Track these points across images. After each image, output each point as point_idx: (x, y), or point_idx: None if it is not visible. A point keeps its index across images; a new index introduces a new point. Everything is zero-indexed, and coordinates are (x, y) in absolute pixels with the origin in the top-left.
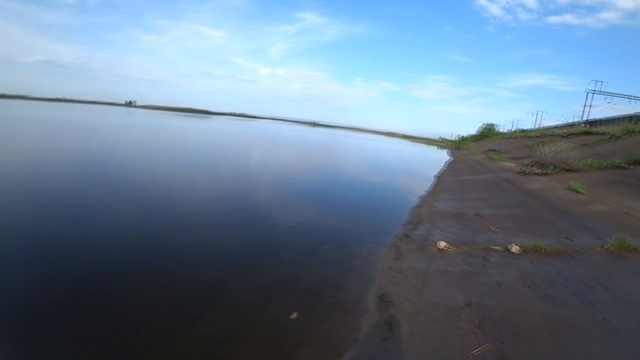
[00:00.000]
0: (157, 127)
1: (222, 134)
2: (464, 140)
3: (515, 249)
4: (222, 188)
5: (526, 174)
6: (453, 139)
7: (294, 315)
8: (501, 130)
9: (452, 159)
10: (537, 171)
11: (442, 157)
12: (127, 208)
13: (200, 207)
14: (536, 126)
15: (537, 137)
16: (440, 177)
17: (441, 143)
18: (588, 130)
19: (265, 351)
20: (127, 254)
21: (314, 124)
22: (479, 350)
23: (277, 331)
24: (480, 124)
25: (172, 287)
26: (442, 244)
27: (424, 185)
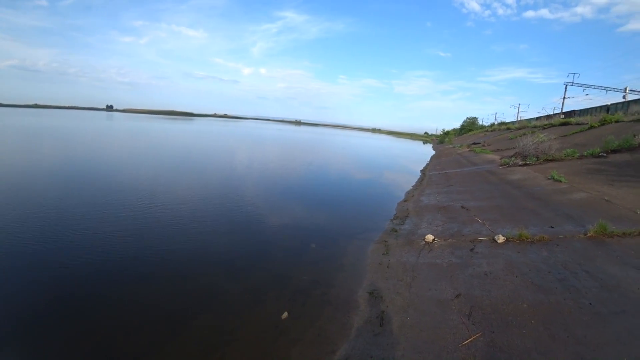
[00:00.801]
0: (139, 131)
1: (205, 137)
2: (447, 134)
3: (501, 239)
4: (209, 191)
5: (509, 166)
6: (437, 133)
7: (285, 315)
8: (483, 123)
9: (436, 153)
10: (519, 162)
11: (427, 151)
12: (114, 213)
13: (189, 210)
14: (517, 119)
15: (519, 129)
16: (426, 172)
17: (425, 138)
18: (566, 121)
19: (258, 352)
20: (116, 259)
21: (298, 123)
22: (469, 341)
23: (269, 331)
24: (463, 118)
25: (164, 289)
26: (430, 237)
27: (410, 180)
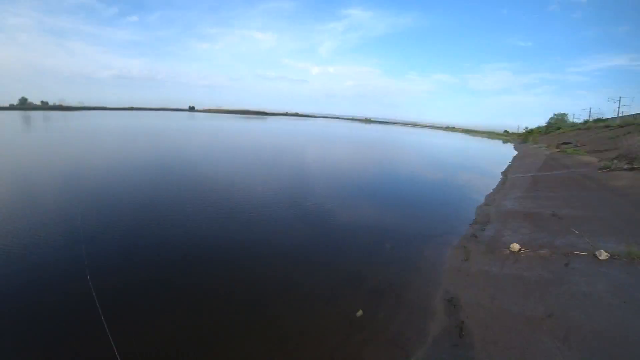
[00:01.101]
0: (222, 129)
1: (279, 134)
2: (531, 133)
3: (603, 255)
4: (287, 188)
5: (611, 170)
6: (519, 131)
7: (360, 313)
8: (574, 120)
9: (519, 153)
10: (624, 166)
11: (508, 151)
12: (198, 203)
13: (267, 204)
14: (618, 114)
15: (621, 126)
16: (508, 174)
17: (505, 137)
18: None
19: (330, 346)
20: (200, 246)
21: (368, 121)
22: None
23: (343, 328)
24: (549, 115)
25: (243, 277)
26: (516, 247)
27: (490, 183)
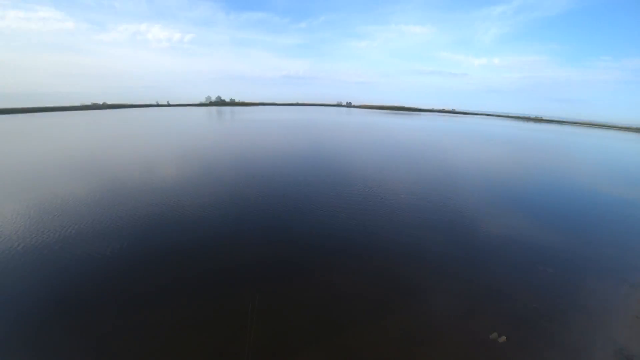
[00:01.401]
0: (382, 124)
1: (435, 132)
2: None
3: None
4: (428, 186)
5: None
6: None
7: (503, 338)
8: None
9: None
10: None
11: None
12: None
13: (405, 202)
14: None
15: None
16: None
17: None
18: None
19: None
20: (337, 238)
21: (537, 119)
22: None
23: (479, 350)
24: None
25: (374, 275)
26: None
27: None
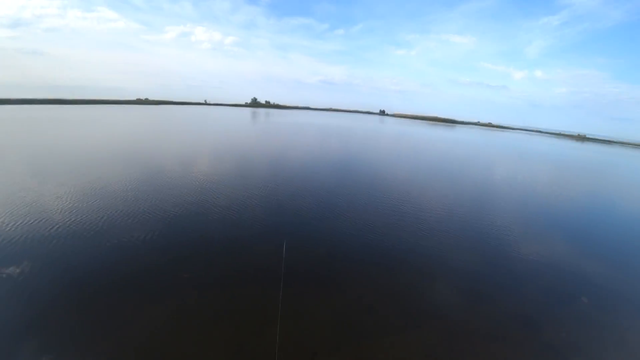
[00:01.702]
0: (416, 135)
1: (468, 145)
2: None
3: None
4: (462, 202)
5: None
6: None
7: None
8: None
9: None
10: None
11: None
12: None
13: (436, 218)
14: None
15: None
16: None
17: None
18: None
19: None
20: (365, 248)
21: (582, 138)
22: None
23: None
24: None
25: (401, 289)
26: None
27: None
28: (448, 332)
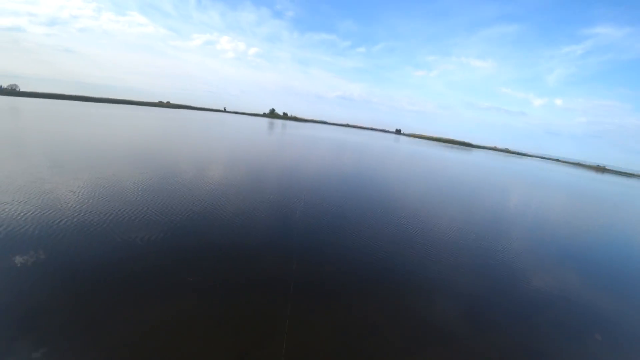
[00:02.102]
0: (431, 156)
1: (484, 170)
2: None
3: None
4: (475, 227)
5: None
6: None
7: None
8: None
9: None
10: None
11: None
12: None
13: (448, 241)
14: None
15: None
16: None
17: None
18: None
19: None
20: (373, 267)
21: (601, 169)
22: None
23: None
24: None
25: (408, 312)
26: None
27: None
28: (452, 359)
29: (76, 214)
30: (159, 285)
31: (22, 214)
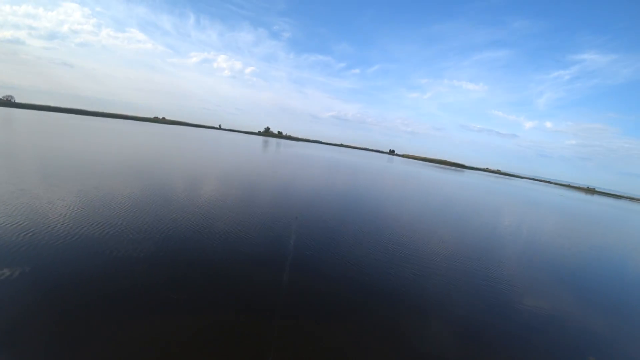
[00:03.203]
0: (423, 177)
1: (476, 191)
2: None
3: None
4: (465, 247)
5: None
6: None
7: None
8: None
9: None
10: None
11: None
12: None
13: (437, 262)
14: None
15: None
16: None
17: None
18: None
19: None
20: (360, 288)
21: (590, 191)
22: None
23: None
24: None
25: (398, 333)
26: None
27: None
28: None
29: (61, 228)
30: (145, 302)
31: (3, 226)
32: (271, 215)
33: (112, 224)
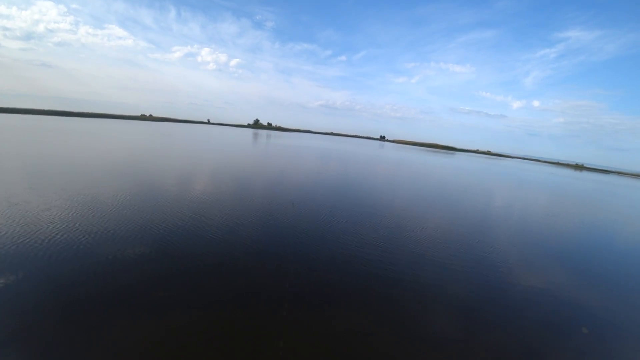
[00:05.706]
0: (415, 161)
1: (467, 172)
2: None
3: None
4: (458, 228)
5: None
6: None
7: None
8: None
9: None
10: None
11: None
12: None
13: (430, 242)
14: None
15: None
16: None
17: None
18: None
19: None
20: (355, 274)
21: (579, 167)
22: None
23: None
24: None
25: (393, 317)
26: None
27: None
28: None
29: (54, 231)
30: (145, 302)
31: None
32: (266, 208)
33: (110, 224)
